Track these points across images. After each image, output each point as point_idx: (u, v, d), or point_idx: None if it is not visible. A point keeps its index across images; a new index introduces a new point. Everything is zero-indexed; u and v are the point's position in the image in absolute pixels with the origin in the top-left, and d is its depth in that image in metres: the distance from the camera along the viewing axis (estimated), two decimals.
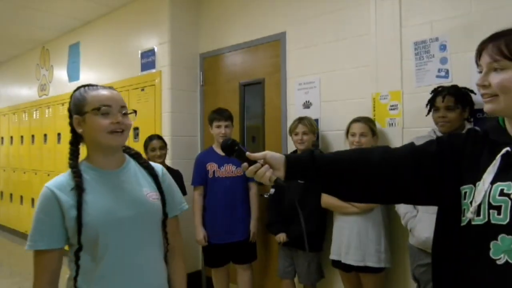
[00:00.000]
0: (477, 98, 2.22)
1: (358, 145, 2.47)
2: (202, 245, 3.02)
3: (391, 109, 2.62)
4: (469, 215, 1.00)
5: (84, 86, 1.41)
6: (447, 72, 2.40)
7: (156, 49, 3.87)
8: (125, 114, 1.38)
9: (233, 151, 1.19)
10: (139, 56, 4.05)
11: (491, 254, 0.95)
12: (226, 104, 3.41)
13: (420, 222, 2.16)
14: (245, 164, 1.16)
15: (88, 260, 1.32)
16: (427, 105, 2.28)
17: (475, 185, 1.01)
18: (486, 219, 0.97)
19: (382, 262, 2.41)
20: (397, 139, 2.59)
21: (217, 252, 3.01)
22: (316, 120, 3.00)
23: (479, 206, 0.99)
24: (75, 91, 1.41)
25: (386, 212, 2.51)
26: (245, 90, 3.57)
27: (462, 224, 1.02)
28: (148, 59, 3.95)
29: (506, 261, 0.93)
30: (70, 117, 1.39)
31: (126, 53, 4.25)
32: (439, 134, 2.22)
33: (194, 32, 3.90)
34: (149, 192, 1.43)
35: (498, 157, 1.00)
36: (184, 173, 3.28)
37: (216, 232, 2.96)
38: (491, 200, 0.97)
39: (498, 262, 0.94)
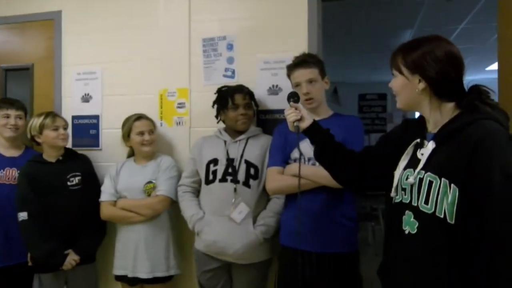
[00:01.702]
0: (260, 99, 2.27)
1: (148, 143, 2.27)
2: None
3: (179, 107, 2.46)
4: (392, 194, 1.29)
5: None
6: (233, 72, 2.39)
7: None
8: None
9: (291, 98, 1.59)
10: None
11: (402, 226, 1.23)
12: None
13: (208, 225, 2.06)
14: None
15: None
16: (217, 103, 2.19)
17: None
18: (400, 198, 1.26)
19: (171, 269, 2.25)
20: (184, 139, 2.45)
21: None
22: (97, 117, 2.62)
23: (396, 187, 1.27)
24: None
25: (174, 215, 2.34)
26: (8, 76, 2.89)
27: (392, 202, 1.30)
28: None
29: (409, 232, 1.20)
30: None
31: None
32: (225, 133, 2.17)
33: None
34: None
35: (410, 148, 1.27)
36: None
37: None
38: (401, 183, 1.25)
39: (405, 232, 1.21)
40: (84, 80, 2.67)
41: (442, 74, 1.18)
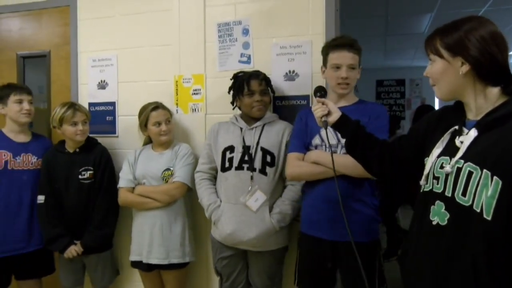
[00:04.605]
0: (276, 85, 2.23)
1: (165, 133, 2.26)
2: None
3: (194, 94, 2.44)
4: (421, 182, 1.22)
5: None
6: (249, 57, 2.35)
7: None
8: None
9: (318, 92, 1.60)
10: None
11: (430, 216, 1.16)
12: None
13: (224, 213, 2.04)
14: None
15: None
16: (233, 89, 2.16)
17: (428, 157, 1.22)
18: (431, 187, 1.18)
19: (186, 256, 2.25)
20: (199, 126, 2.44)
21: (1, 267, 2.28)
22: (113, 104, 2.62)
23: (427, 175, 1.19)
24: None
25: (190, 202, 2.34)
26: (26, 64, 2.91)
27: (420, 191, 1.24)
28: None
29: (437, 223, 1.13)
30: None
31: None
32: (241, 120, 2.14)
33: None
34: None
35: (446, 135, 1.18)
36: None
37: (4, 240, 2.25)
38: (434, 171, 1.17)
39: (433, 223, 1.14)
40: (100, 67, 2.66)
41: (487, 54, 1.09)
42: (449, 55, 1.14)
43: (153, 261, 2.20)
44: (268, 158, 2.04)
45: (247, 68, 2.30)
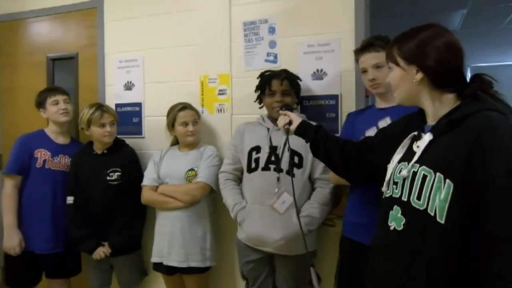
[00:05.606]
0: (303, 84, 2.16)
1: (191, 134, 2.24)
2: (14, 254, 2.28)
3: (220, 94, 2.41)
4: (383, 188, 1.23)
5: None
6: (275, 56, 2.29)
7: None
8: None
9: (283, 107, 1.87)
10: None
11: (388, 222, 1.16)
12: (30, 81, 2.84)
13: (249, 215, 1.99)
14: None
15: None
16: (257, 89, 2.11)
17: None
18: (391, 193, 1.19)
19: (207, 261, 2.20)
20: (225, 127, 2.39)
21: (31, 265, 2.33)
22: (139, 105, 2.62)
23: (388, 181, 1.20)
24: None
25: (213, 205, 2.30)
26: (55, 66, 2.95)
27: (382, 197, 1.24)
28: None
29: (394, 228, 1.14)
30: None
31: None
32: (268, 120, 2.09)
33: None
34: None
35: (406, 140, 1.20)
36: None
37: (36, 238, 2.31)
38: (394, 177, 1.18)
39: (391, 228, 1.15)
40: (126, 68, 2.67)
41: (441, 63, 1.11)
42: (405, 63, 1.17)
43: (172, 263, 2.17)
44: (296, 159, 1.97)
45: (274, 67, 2.24)
